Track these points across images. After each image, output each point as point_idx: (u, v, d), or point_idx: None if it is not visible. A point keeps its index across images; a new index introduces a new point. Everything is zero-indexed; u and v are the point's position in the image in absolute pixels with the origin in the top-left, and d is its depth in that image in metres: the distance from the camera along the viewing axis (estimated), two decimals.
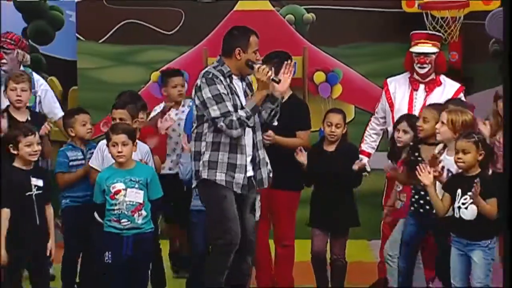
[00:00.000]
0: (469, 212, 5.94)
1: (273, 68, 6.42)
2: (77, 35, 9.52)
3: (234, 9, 9.36)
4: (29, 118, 7.02)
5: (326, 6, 9.53)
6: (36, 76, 7.79)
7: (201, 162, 6.17)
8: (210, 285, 6.24)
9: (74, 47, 9.54)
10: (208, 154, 6.15)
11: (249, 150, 6.21)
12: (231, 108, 6.08)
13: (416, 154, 6.53)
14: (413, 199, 6.58)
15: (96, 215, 6.63)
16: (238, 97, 6.21)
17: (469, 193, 5.89)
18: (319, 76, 9.20)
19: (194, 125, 6.27)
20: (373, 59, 9.02)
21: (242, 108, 6.19)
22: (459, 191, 5.96)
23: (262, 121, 6.27)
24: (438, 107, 6.61)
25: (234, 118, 6.07)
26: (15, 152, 6.21)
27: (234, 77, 6.24)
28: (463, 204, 5.97)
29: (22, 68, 7.67)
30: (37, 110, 7.55)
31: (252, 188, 6.27)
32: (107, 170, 6.36)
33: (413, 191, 6.61)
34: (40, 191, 6.27)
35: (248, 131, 6.16)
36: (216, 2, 9.50)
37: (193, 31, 9.32)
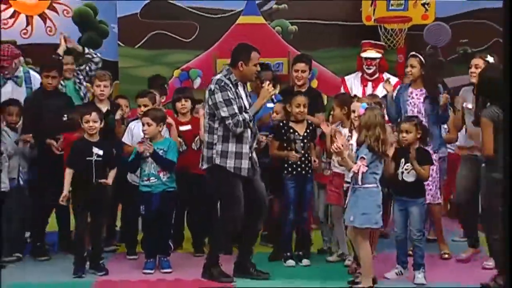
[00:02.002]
0: (410, 175, 6.53)
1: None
2: (118, 42, 10.68)
3: (236, 22, 10.49)
4: (109, 108, 7.43)
5: (305, 20, 10.71)
6: (32, 73, 7.93)
7: (214, 151, 6.53)
8: (216, 253, 6.71)
9: (116, 51, 10.67)
10: (220, 145, 6.53)
11: (250, 140, 6.65)
12: (237, 110, 6.47)
13: (291, 130, 7.15)
14: (294, 165, 7.11)
15: (128, 177, 7.27)
16: (242, 100, 6.60)
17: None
18: None
19: (206, 120, 6.63)
20: (340, 60, 9.76)
21: (245, 109, 6.57)
22: (402, 160, 6.53)
23: None
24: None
25: (241, 119, 6.44)
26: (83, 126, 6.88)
27: (238, 84, 6.62)
28: (406, 169, 6.54)
29: (21, 68, 7.78)
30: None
31: (254, 169, 6.70)
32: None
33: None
34: (99, 159, 6.76)
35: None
36: (223, 17, 10.59)
37: (205, 39, 10.38)
